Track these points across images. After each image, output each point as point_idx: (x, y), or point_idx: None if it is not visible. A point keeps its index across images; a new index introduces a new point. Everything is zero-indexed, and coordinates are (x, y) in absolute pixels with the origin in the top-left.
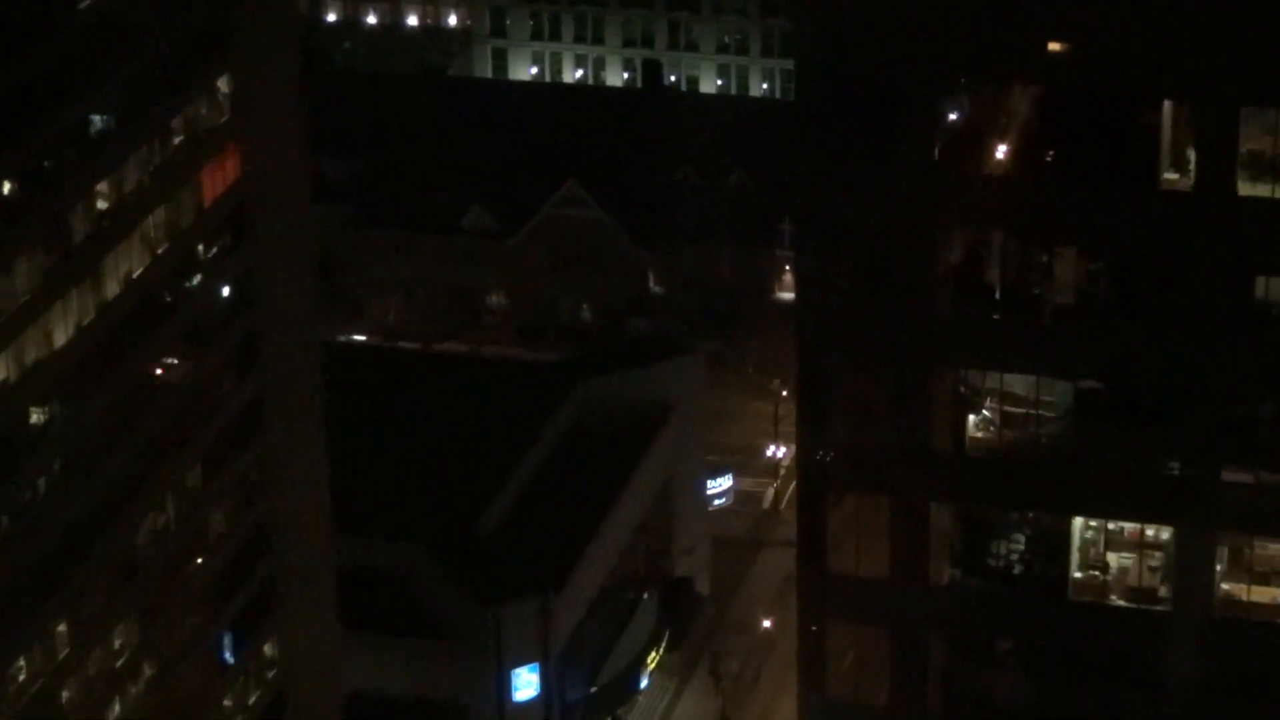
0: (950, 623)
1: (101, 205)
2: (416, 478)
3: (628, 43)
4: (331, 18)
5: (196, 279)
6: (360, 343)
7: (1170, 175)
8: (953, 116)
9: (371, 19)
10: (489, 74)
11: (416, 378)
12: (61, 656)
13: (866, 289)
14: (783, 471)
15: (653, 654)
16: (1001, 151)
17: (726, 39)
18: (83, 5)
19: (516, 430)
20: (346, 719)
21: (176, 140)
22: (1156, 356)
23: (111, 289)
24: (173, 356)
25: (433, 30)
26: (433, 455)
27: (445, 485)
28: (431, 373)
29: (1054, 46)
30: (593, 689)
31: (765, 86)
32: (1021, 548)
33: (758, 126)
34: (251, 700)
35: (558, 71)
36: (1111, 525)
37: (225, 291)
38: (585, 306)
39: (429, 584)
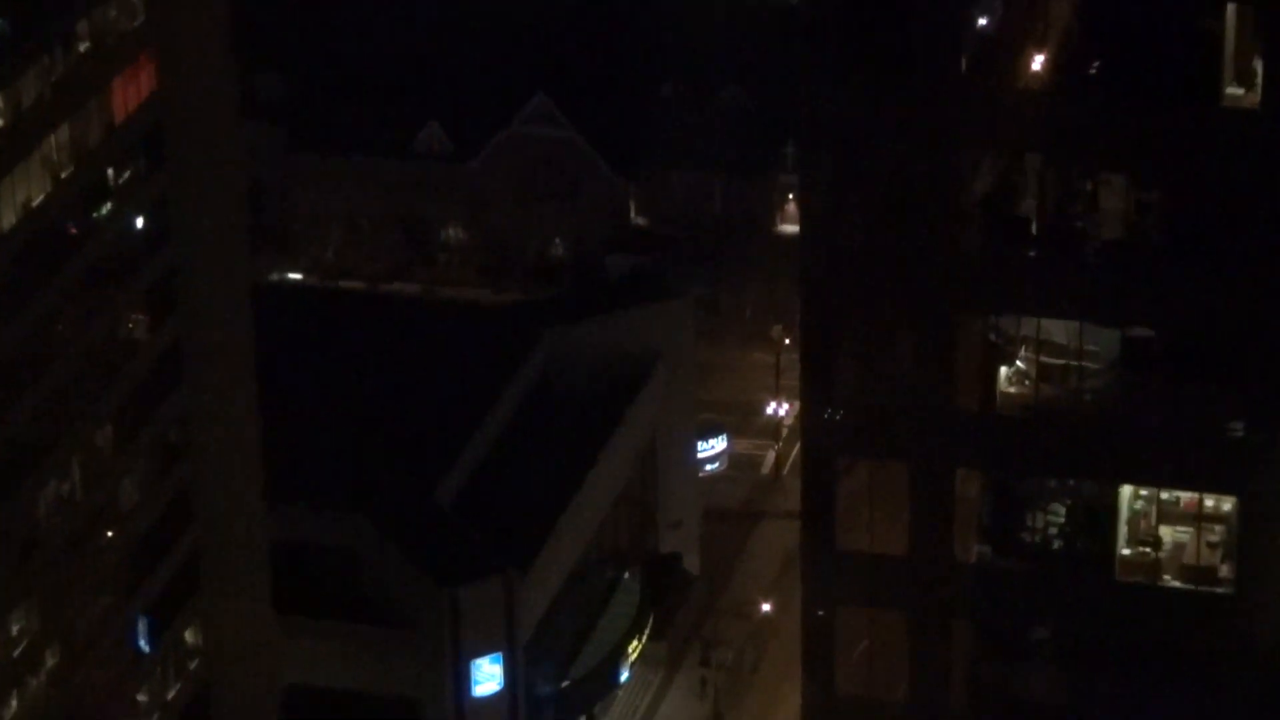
0: (977, 608)
1: None
2: (362, 439)
3: None
4: None
5: (106, 208)
6: (296, 283)
7: (1234, 90)
8: (982, 22)
9: None
10: None
11: (361, 323)
12: None
13: (882, 222)
14: (785, 432)
15: (634, 642)
16: (1038, 63)
17: None
18: None
19: (477, 384)
20: (282, 716)
21: (82, 48)
22: (1217, 299)
23: (7, 219)
24: (78, 297)
25: None
26: (380, 413)
27: (395, 448)
28: (379, 318)
29: None
30: (565, 683)
31: None
32: (1061, 521)
33: (757, 33)
34: (170, 695)
35: None
36: (1165, 494)
37: (139, 223)
38: (556, 241)
39: (376, 562)
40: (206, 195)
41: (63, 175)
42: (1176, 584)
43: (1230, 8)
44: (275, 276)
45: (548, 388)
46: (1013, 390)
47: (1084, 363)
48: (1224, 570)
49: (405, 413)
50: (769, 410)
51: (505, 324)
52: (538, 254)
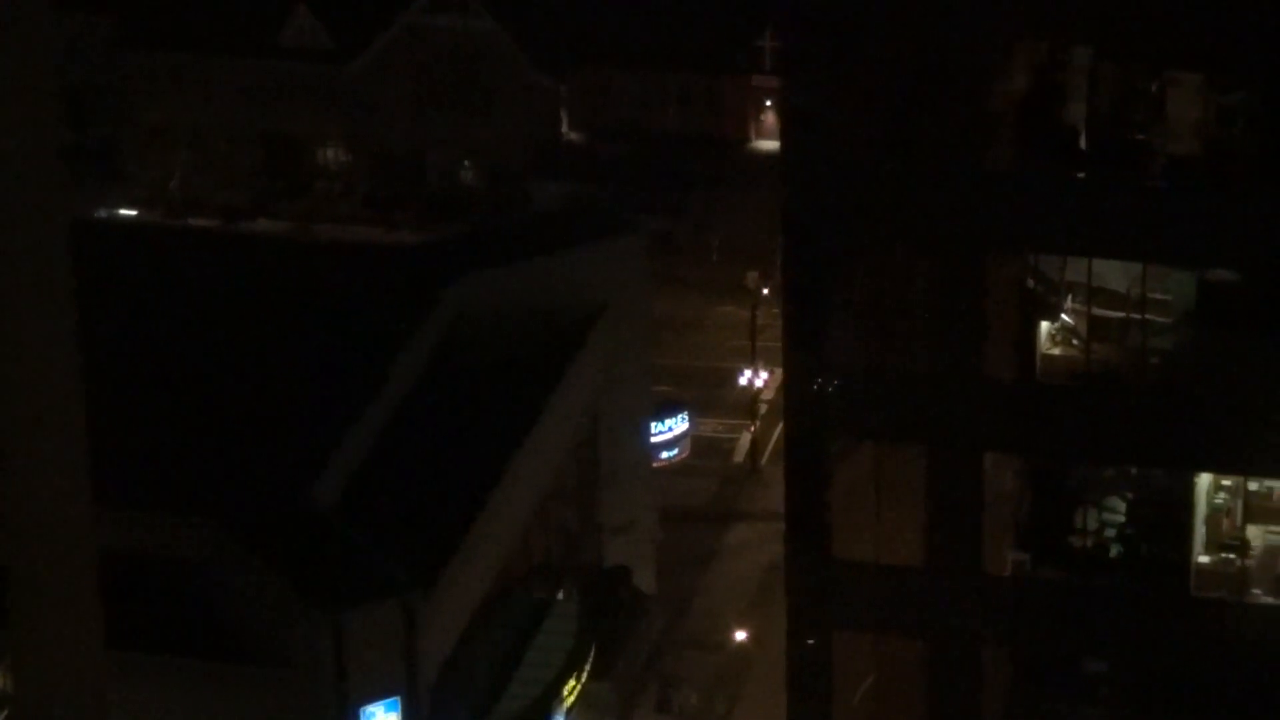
0: (1014, 633)
1: None
2: (217, 425)
3: None
4: None
5: None
6: (130, 220)
7: None
8: None
9: None
10: None
11: (215, 273)
12: None
13: (887, 135)
14: (763, 409)
15: (571, 683)
16: None
17: None
18: None
19: (366, 351)
20: None
21: None
22: None
23: None
24: None
25: None
26: (242, 390)
27: (260, 435)
28: (238, 265)
29: None
30: None
31: None
32: (1120, 520)
33: None
34: None
35: None
36: (1254, 485)
37: None
38: (466, 164)
39: (237, 582)
40: (9, 103)
41: None
42: (1270, 600)
43: None
44: (103, 212)
45: (457, 354)
46: (1057, 352)
47: (1149, 316)
48: None
49: (273, 389)
50: (743, 380)
51: (401, 272)
52: (442, 181)
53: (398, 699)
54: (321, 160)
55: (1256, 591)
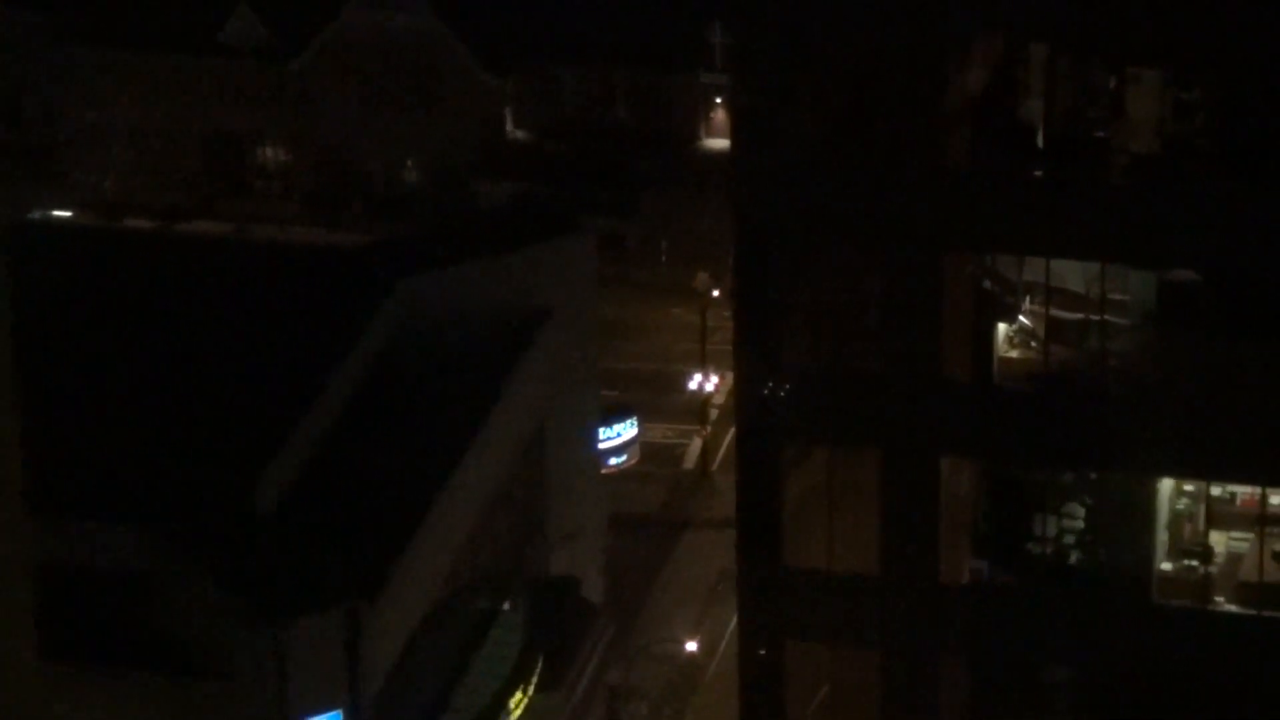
0: (973, 642)
1: None
2: (154, 429)
3: None
4: None
5: None
6: (65, 222)
7: None
8: None
9: None
10: None
11: (153, 276)
12: None
13: (841, 132)
14: (714, 414)
15: (518, 695)
16: None
17: None
18: None
19: (307, 354)
20: None
21: None
22: None
23: None
24: None
25: None
26: (180, 394)
27: (199, 439)
28: (176, 268)
29: None
30: None
31: None
32: (1080, 526)
33: None
34: None
35: None
36: (1216, 490)
37: None
38: (409, 163)
39: (175, 591)
40: None
41: None
42: (1233, 608)
43: None
44: (37, 214)
45: (400, 357)
46: (1015, 354)
47: (1108, 316)
48: None
49: (212, 392)
50: (693, 385)
51: (343, 273)
52: (385, 180)
53: (340, 711)
54: (262, 160)
55: (1220, 599)
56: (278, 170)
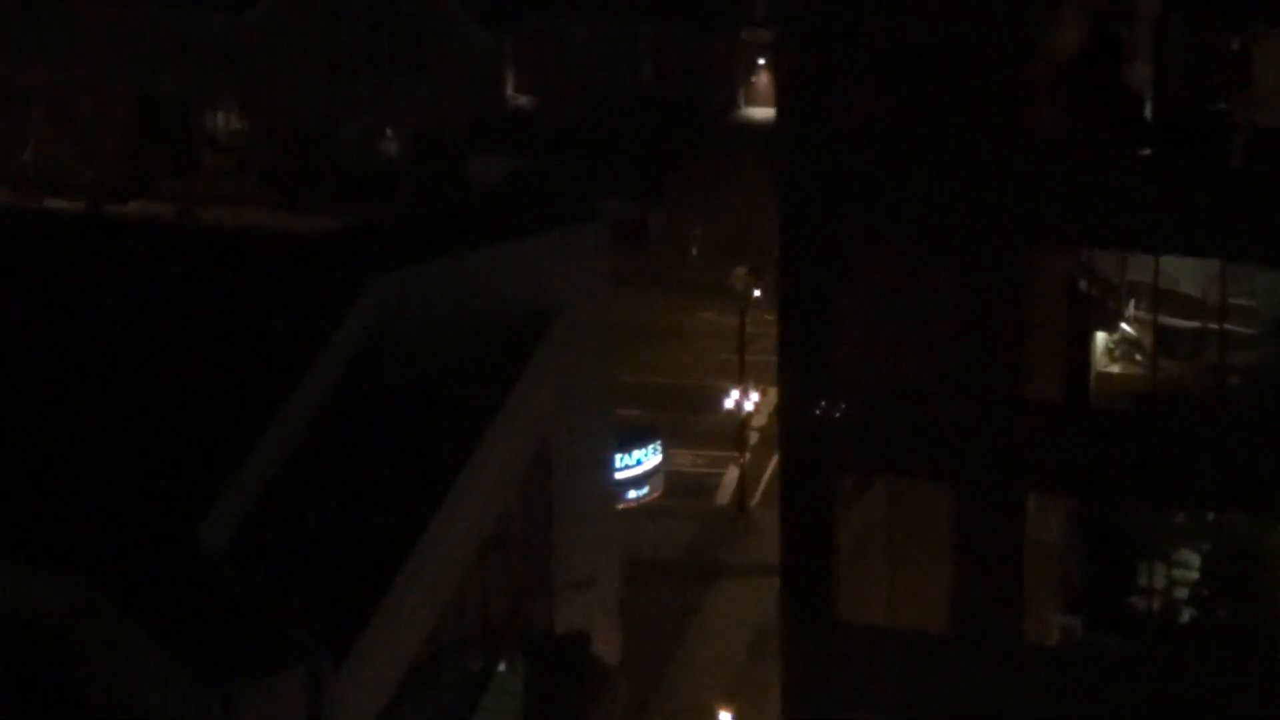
0: (1064, 714)
1: None
2: (83, 454)
3: None
4: None
5: None
6: None
7: None
8: None
9: None
10: None
11: (81, 267)
12: None
13: (905, 101)
14: (754, 438)
15: None
16: None
17: None
18: None
19: (263, 364)
20: None
21: None
22: None
23: None
24: None
25: None
26: (112, 411)
27: (135, 467)
28: (104, 257)
29: None
30: None
31: None
32: (1194, 577)
33: None
34: None
35: None
36: None
37: None
38: (388, 134)
39: (105, 646)
40: None
41: None
42: None
43: None
44: None
45: (375, 368)
46: (1116, 370)
47: (1228, 325)
48: None
49: (150, 410)
50: (728, 403)
51: (308, 267)
52: (358, 155)
53: None
54: (210, 129)
55: None
56: (229, 141)
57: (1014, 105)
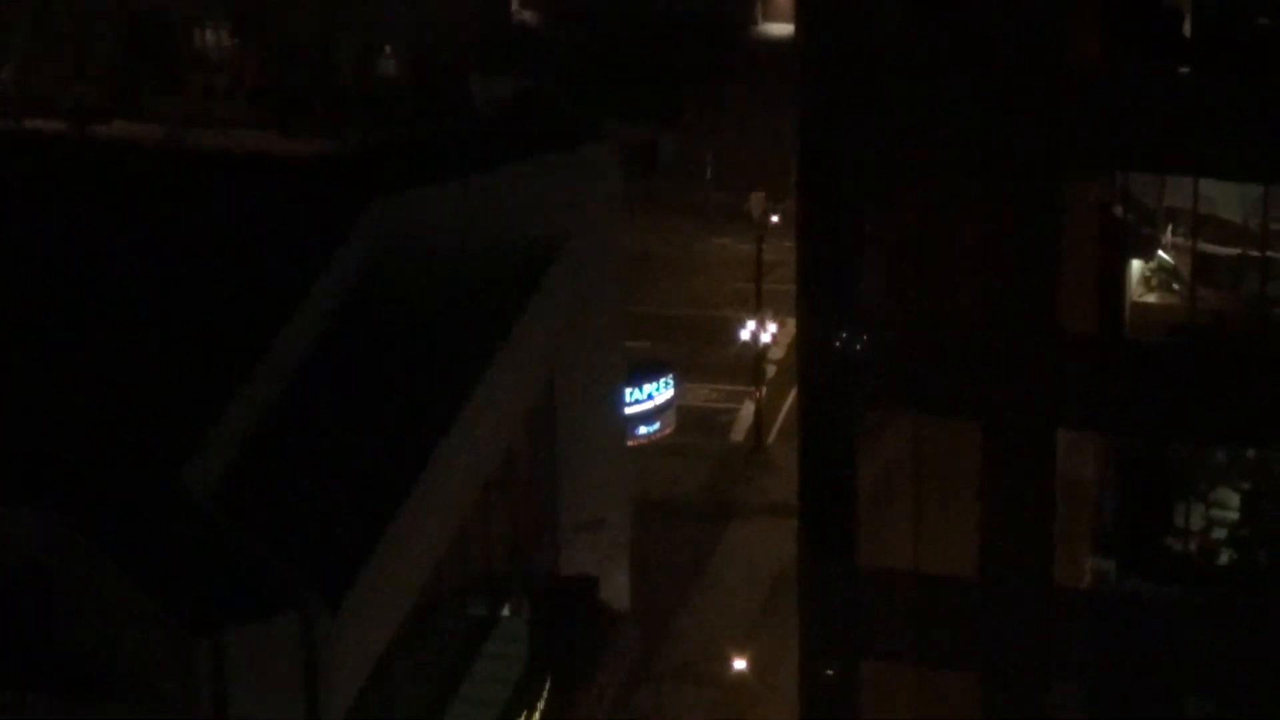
0: (1094, 663)
1: None
2: (63, 390)
3: None
4: None
5: None
6: None
7: None
8: None
9: None
10: None
11: (62, 192)
12: None
13: (936, 15)
14: (771, 371)
15: None
16: None
17: None
18: None
19: (255, 294)
20: None
21: None
22: None
23: None
24: None
25: None
26: (94, 345)
27: (118, 404)
28: (89, 181)
29: None
30: None
31: None
32: (1233, 517)
33: None
34: None
35: None
36: None
37: None
38: (387, 51)
39: (87, 592)
40: None
41: None
42: None
43: None
44: None
45: (373, 300)
46: (1153, 299)
47: (1271, 253)
48: None
49: (134, 344)
50: (744, 335)
51: (302, 192)
52: (356, 74)
53: None
54: (200, 47)
55: None
56: (220, 60)
57: (1049, 22)
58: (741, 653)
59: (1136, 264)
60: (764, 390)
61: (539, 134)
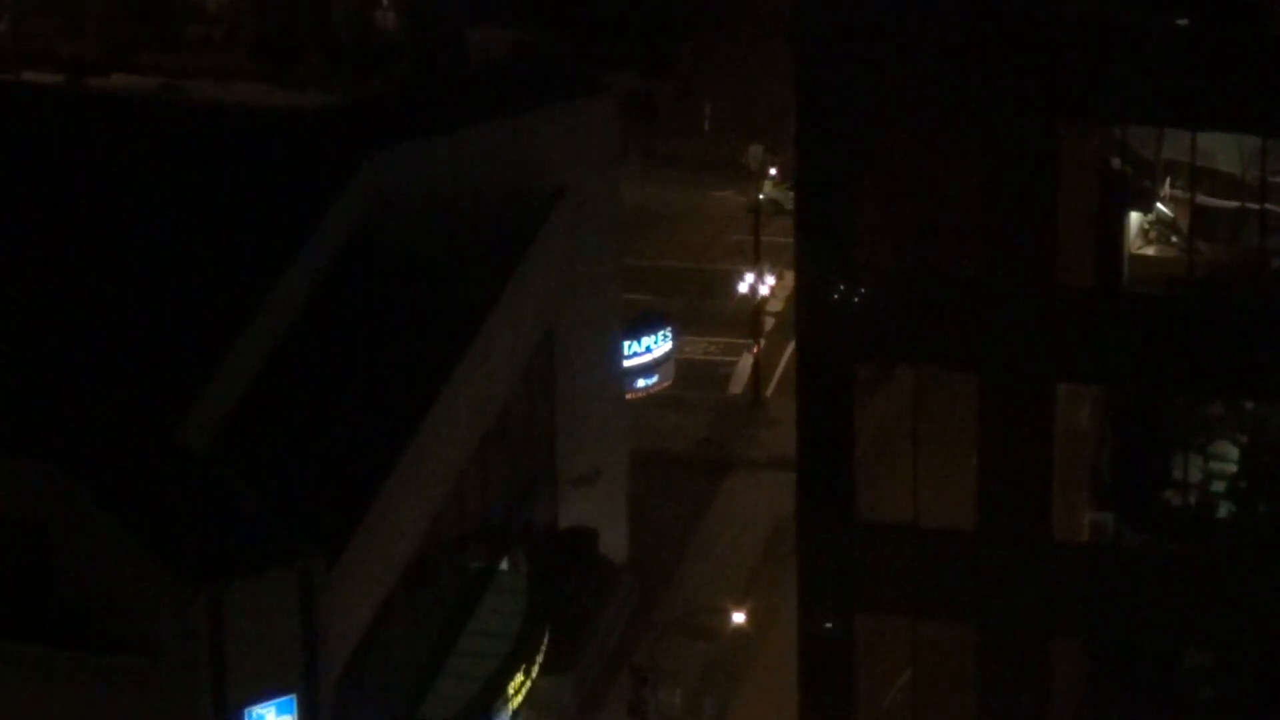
0: (1091, 616)
1: None
2: (61, 344)
3: None
4: None
5: None
6: None
7: None
8: None
9: None
10: None
11: (57, 144)
12: None
13: None
14: (770, 324)
15: (519, 677)
16: None
17: None
18: None
19: (252, 247)
20: None
21: None
22: None
23: None
24: None
25: None
26: (92, 298)
27: (116, 357)
28: (86, 134)
29: None
30: None
31: None
32: (1231, 470)
33: None
34: None
35: None
36: None
37: None
38: (385, 4)
39: (84, 547)
40: None
41: None
42: None
43: None
44: None
45: (371, 252)
46: (1151, 252)
47: (1270, 205)
48: None
49: (133, 297)
50: (743, 287)
51: (299, 144)
52: (354, 26)
53: (292, 697)
54: None
55: None
56: (217, 12)
57: None
58: (739, 605)
59: (1135, 217)
60: (762, 343)
61: (536, 86)
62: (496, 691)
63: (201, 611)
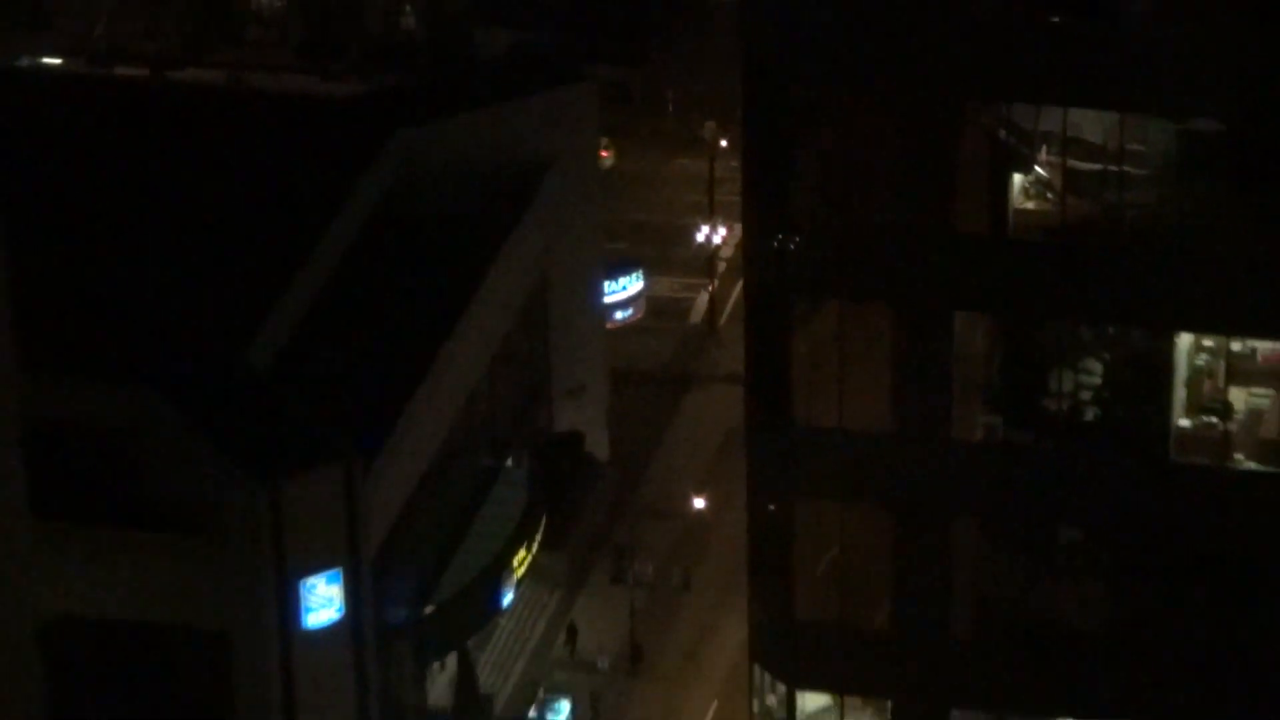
0: (985, 500)
1: None
2: (146, 284)
3: None
4: None
5: None
6: (54, 70)
7: None
8: None
9: None
10: None
11: (144, 126)
12: None
13: None
14: (722, 267)
15: (521, 553)
16: None
17: None
18: None
19: (302, 207)
20: (45, 657)
21: None
22: None
23: None
24: None
25: None
26: (172, 248)
27: (191, 295)
28: (167, 118)
29: None
30: (428, 608)
31: None
32: (1096, 382)
33: None
34: None
35: None
36: (1237, 346)
37: None
38: (407, 9)
39: (168, 449)
40: None
41: None
42: (1252, 465)
43: None
44: (25, 61)
45: (398, 211)
46: (1031, 206)
47: (1126, 168)
48: None
49: (205, 247)
50: (700, 237)
51: (339, 124)
52: (383, 27)
53: (339, 570)
54: (254, 6)
55: (1239, 457)
56: (270, 16)
57: None
58: (699, 494)
59: (1018, 177)
60: (716, 282)
61: (531, 76)
62: (504, 564)
63: (264, 501)
